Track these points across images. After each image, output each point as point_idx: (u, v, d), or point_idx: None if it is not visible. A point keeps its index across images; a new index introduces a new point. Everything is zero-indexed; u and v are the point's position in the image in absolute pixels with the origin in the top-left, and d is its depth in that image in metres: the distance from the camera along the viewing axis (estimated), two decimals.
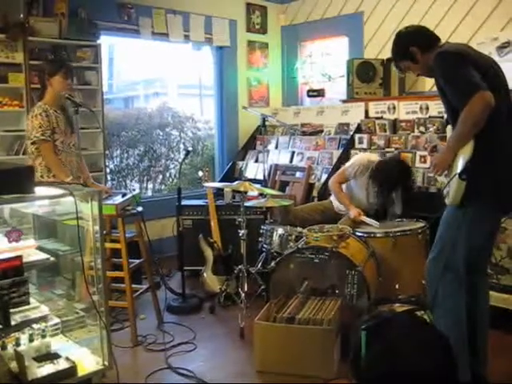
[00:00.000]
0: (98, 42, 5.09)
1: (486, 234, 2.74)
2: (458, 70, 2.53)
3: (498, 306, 3.59)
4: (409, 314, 2.78)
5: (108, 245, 3.79)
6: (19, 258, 2.48)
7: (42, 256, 2.82)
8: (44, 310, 2.79)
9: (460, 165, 2.56)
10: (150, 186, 6.88)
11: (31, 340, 2.73)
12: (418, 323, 1.41)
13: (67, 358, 2.65)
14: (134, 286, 3.85)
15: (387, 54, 5.51)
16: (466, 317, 2.67)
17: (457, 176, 2.54)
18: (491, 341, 2.81)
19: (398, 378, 1.29)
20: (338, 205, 4.53)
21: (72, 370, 2.61)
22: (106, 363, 2.77)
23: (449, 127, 2.80)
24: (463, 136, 2.56)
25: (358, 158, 4.48)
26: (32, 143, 3.69)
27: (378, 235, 3.91)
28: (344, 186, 4.48)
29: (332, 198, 4.63)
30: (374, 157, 4.43)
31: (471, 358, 2.66)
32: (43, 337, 2.77)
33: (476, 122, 2.48)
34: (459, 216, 2.63)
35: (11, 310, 2.47)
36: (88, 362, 2.76)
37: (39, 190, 2.63)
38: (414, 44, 2.78)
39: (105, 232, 3.60)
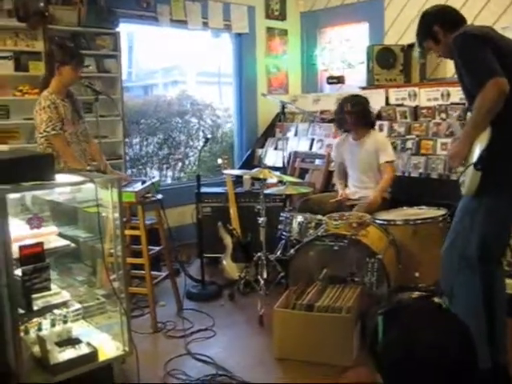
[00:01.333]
0: (117, 29, 5.10)
1: (503, 223, 2.69)
2: (476, 54, 2.48)
3: None
4: (426, 299, 2.76)
5: (128, 232, 3.82)
6: (40, 244, 2.50)
7: (63, 242, 2.85)
8: (65, 295, 2.82)
9: (476, 154, 2.51)
10: (170, 173, 6.91)
11: (53, 325, 2.78)
12: (436, 308, 1.40)
13: (88, 344, 2.68)
14: (153, 273, 3.88)
15: (408, 39, 5.44)
16: (482, 305, 2.64)
17: (472, 166, 2.50)
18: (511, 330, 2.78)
19: (416, 363, 1.28)
20: (349, 192, 4.54)
21: (93, 355, 2.64)
22: (127, 349, 2.79)
23: (469, 114, 2.76)
24: (478, 124, 2.51)
25: None
26: (42, 137, 3.68)
27: (398, 223, 3.87)
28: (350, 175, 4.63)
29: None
30: None
31: (490, 348, 2.64)
32: (65, 322, 2.81)
33: (490, 109, 2.43)
34: (475, 206, 2.60)
35: (33, 296, 2.50)
36: (108, 347, 2.79)
37: (60, 178, 2.65)
38: (437, 23, 2.74)
39: (125, 219, 3.62)
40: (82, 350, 2.65)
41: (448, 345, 1.33)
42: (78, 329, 2.84)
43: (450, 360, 1.30)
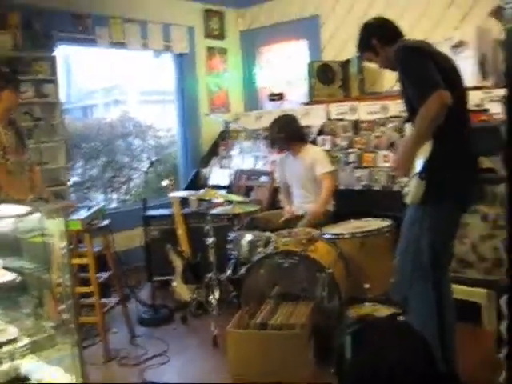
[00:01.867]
0: (55, 53, 5.01)
1: (447, 232, 2.79)
2: (418, 66, 2.56)
3: (464, 300, 3.65)
4: (391, 318, 2.82)
5: (76, 260, 3.72)
6: None
7: (9, 277, 2.74)
8: (12, 331, 2.71)
9: (419, 164, 2.59)
10: (115, 196, 6.80)
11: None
12: (401, 327, 1.42)
13: (38, 381, 2.59)
14: (103, 300, 3.79)
15: (345, 55, 5.59)
16: (436, 313, 2.71)
17: (416, 176, 2.58)
18: (458, 334, 2.86)
19: (382, 381, 1.30)
20: (294, 208, 4.61)
21: None
22: (80, 381, 2.71)
23: (407, 125, 2.84)
24: (420, 136, 2.58)
25: None
26: None
27: (345, 236, 3.93)
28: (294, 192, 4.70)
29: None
30: None
31: (442, 352, 2.71)
32: (12, 359, 2.70)
33: (432, 121, 2.50)
34: (420, 214, 2.68)
35: None
36: (61, 381, 2.70)
37: (2, 208, 2.57)
38: (375, 37, 2.85)
39: (71, 247, 3.53)
40: None
41: (412, 361, 1.36)
42: (27, 365, 2.73)
43: (415, 376, 1.34)
